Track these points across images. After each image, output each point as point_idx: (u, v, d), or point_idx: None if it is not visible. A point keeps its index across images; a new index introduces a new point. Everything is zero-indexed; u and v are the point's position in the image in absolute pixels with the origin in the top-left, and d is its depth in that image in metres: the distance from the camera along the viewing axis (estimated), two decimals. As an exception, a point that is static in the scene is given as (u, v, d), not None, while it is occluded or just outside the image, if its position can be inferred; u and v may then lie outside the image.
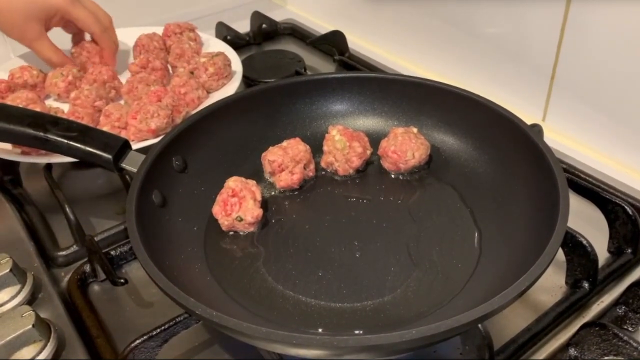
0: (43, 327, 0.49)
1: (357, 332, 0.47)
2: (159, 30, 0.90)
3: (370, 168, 0.64)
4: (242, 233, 0.57)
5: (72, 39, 0.86)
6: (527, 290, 0.40)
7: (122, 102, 0.77)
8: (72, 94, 0.74)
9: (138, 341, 0.45)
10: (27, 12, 0.73)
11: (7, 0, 0.73)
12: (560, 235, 0.44)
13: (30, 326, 0.47)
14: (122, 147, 0.56)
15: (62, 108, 0.73)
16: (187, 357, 0.50)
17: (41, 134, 0.55)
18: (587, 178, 0.66)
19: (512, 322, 0.51)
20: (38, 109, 0.67)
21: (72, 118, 0.69)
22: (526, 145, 0.54)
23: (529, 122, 0.58)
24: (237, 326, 0.38)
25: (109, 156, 0.54)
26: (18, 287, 0.53)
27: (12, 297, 0.52)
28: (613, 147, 0.71)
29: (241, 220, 0.54)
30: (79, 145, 0.55)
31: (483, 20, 0.80)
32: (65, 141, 0.55)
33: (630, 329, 0.51)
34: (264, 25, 1.05)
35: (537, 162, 0.52)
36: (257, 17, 1.06)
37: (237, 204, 0.54)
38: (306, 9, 1.15)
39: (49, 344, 0.48)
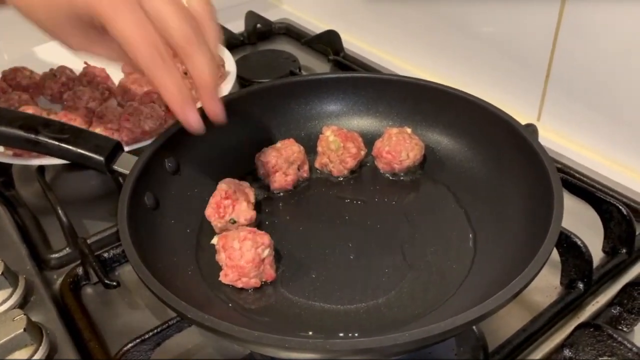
0: (35, 331, 0.48)
1: (351, 334, 0.46)
2: (153, 31, 0.90)
3: (365, 169, 0.64)
4: (235, 235, 0.56)
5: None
6: (521, 291, 0.40)
7: (115, 103, 0.76)
8: (65, 95, 0.73)
9: (130, 344, 0.45)
10: (66, 15, 0.48)
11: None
12: (555, 235, 0.43)
13: (22, 330, 0.47)
14: (114, 149, 0.55)
15: (55, 109, 0.72)
16: (181, 360, 0.50)
17: (32, 136, 0.54)
18: (582, 178, 0.66)
19: (507, 323, 0.51)
20: (31, 111, 0.67)
21: (65, 119, 0.69)
22: (520, 146, 0.54)
23: (523, 121, 0.58)
24: (229, 330, 0.38)
25: (101, 158, 0.54)
26: (10, 290, 0.53)
27: (4, 301, 0.52)
28: (608, 147, 0.71)
29: (234, 222, 0.54)
30: (70, 147, 0.54)
31: (478, 20, 0.80)
32: (57, 143, 0.54)
33: (625, 329, 0.51)
34: (258, 25, 1.05)
35: (532, 163, 0.52)
36: (252, 17, 1.06)
37: (231, 206, 0.54)
38: (301, 9, 1.15)
39: (40, 348, 0.48)
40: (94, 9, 0.44)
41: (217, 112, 0.48)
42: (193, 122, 0.48)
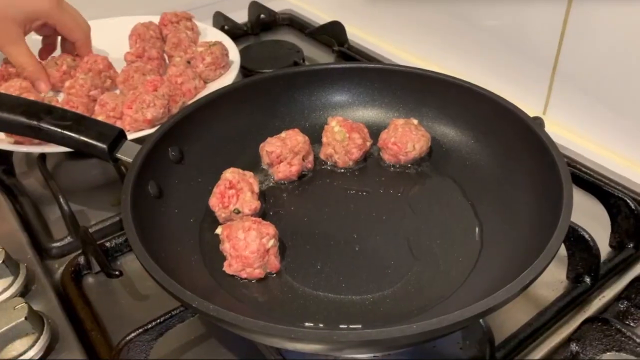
0: (36, 319, 0.48)
1: (356, 326, 0.46)
2: (156, 19, 0.89)
3: (370, 160, 0.64)
4: (239, 225, 0.56)
5: (43, 41, 0.82)
6: (530, 284, 0.39)
7: (117, 91, 0.76)
8: (67, 83, 0.73)
9: (133, 334, 0.44)
10: (5, 13, 0.65)
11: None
12: (564, 229, 0.43)
13: (23, 319, 0.46)
14: (118, 136, 0.55)
15: (56, 98, 0.72)
16: (184, 350, 0.49)
17: (34, 122, 0.53)
18: (589, 172, 0.65)
19: (513, 316, 0.50)
20: (32, 97, 0.66)
21: (66, 107, 0.68)
22: (529, 138, 0.53)
23: (530, 114, 0.57)
24: (234, 320, 0.37)
25: (104, 146, 0.53)
26: (11, 278, 0.52)
27: (5, 289, 0.51)
28: (615, 141, 0.70)
29: (238, 212, 0.53)
30: (73, 134, 0.54)
31: (484, 12, 0.79)
32: (59, 130, 0.53)
33: (632, 324, 0.50)
34: (262, 15, 1.04)
35: (540, 155, 0.51)
36: (255, 7, 1.05)
37: (235, 196, 0.53)
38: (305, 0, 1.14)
39: (42, 337, 0.47)
40: (45, 9, 0.74)
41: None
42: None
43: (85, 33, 0.77)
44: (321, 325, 0.46)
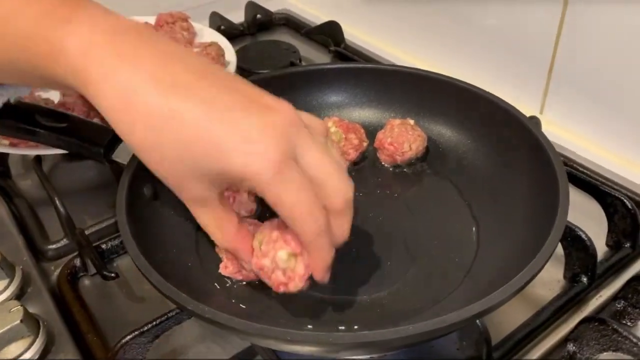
0: (32, 322, 0.47)
1: (353, 327, 0.46)
2: (152, 20, 0.89)
3: (366, 161, 0.63)
4: (235, 226, 0.55)
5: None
6: (526, 285, 0.39)
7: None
8: (63, 85, 0.72)
9: (129, 337, 0.44)
10: (193, 169, 0.39)
11: (174, 147, 0.39)
12: (560, 229, 0.43)
13: (19, 321, 0.46)
14: (113, 138, 0.54)
15: (52, 99, 0.71)
16: (180, 352, 0.49)
17: (29, 125, 0.53)
18: (586, 171, 0.65)
19: (510, 316, 0.50)
20: (27, 100, 0.66)
21: (62, 109, 0.68)
22: (525, 138, 0.53)
23: (526, 114, 0.57)
24: (230, 322, 0.37)
25: (100, 148, 0.53)
26: (6, 281, 0.52)
27: (0, 292, 0.51)
28: (612, 140, 0.70)
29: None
30: (68, 137, 0.53)
31: (481, 12, 0.79)
32: (55, 133, 0.53)
33: (629, 323, 0.50)
34: (258, 15, 1.04)
35: (536, 155, 0.51)
36: (252, 7, 1.05)
37: (231, 198, 0.53)
38: (302, -1, 1.14)
39: (37, 340, 0.47)
40: (252, 179, 0.38)
41: (324, 280, 0.43)
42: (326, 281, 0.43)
43: (316, 226, 0.40)
44: (317, 326, 0.46)
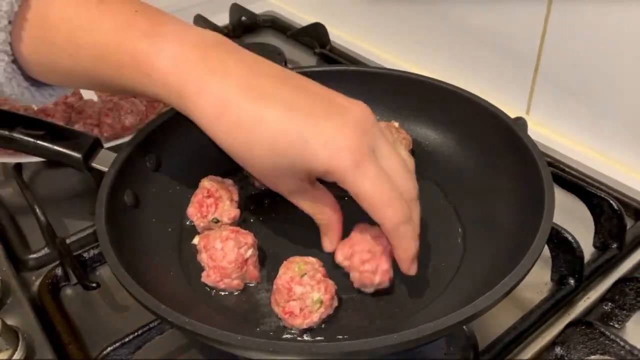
0: (10, 334, 0.46)
1: (339, 336, 0.45)
2: (134, 24, 0.88)
3: (352, 164, 0.63)
4: (219, 234, 0.55)
5: None
6: (512, 290, 0.39)
7: (95, 98, 0.74)
8: (43, 90, 0.71)
9: (110, 348, 0.44)
10: (284, 167, 0.44)
11: (264, 148, 0.42)
12: (546, 233, 0.42)
13: (-4, 335, 0.45)
14: (93, 145, 0.53)
15: (32, 106, 0.70)
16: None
17: (6, 132, 0.52)
18: (572, 172, 0.65)
19: (497, 320, 0.50)
20: (6, 107, 0.65)
21: (42, 115, 0.67)
22: (510, 140, 0.53)
23: (512, 115, 0.57)
24: (211, 334, 0.36)
25: (79, 155, 0.52)
26: (-16, 293, 0.51)
27: (-22, 304, 0.50)
28: (598, 140, 0.70)
29: (217, 221, 0.52)
30: (46, 144, 0.52)
31: (466, 13, 0.79)
32: (32, 140, 0.52)
33: (616, 325, 0.50)
34: (243, 18, 1.03)
35: (522, 157, 0.51)
36: (236, 10, 1.04)
37: (213, 205, 0.52)
38: (287, 1, 1.13)
39: (16, 352, 0.46)
40: (335, 172, 0.41)
41: (410, 272, 0.45)
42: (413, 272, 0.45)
43: (401, 213, 0.42)
44: (302, 336, 0.45)
